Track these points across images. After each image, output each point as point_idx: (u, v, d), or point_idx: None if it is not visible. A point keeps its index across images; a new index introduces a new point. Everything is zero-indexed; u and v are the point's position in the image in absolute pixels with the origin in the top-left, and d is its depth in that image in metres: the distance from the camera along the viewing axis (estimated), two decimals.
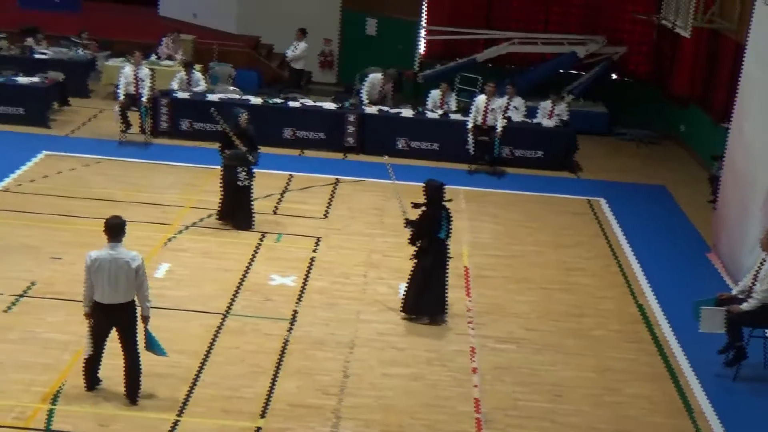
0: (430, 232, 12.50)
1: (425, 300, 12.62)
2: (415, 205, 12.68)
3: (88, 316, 10.07)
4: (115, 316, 10.02)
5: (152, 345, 10.34)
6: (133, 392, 10.21)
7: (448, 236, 12.64)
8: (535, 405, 10.89)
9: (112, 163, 18.13)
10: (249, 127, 15.19)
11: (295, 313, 12.65)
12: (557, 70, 23.93)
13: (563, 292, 14.03)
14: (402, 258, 14.65)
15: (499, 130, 18.88)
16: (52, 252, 13.85)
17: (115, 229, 10.01)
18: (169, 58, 22.72)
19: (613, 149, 22.08)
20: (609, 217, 17.34)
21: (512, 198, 17.96)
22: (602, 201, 18.13)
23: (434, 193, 12.58)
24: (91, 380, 10.35)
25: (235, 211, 15.28)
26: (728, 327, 11.72)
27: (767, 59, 14.49)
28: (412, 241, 12.60)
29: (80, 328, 11.57)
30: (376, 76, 21.01)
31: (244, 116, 15.18)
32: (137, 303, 10.07)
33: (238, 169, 15.01)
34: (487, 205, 17.39)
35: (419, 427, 10.25)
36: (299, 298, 13.10)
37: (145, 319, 10.17)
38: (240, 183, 15.06)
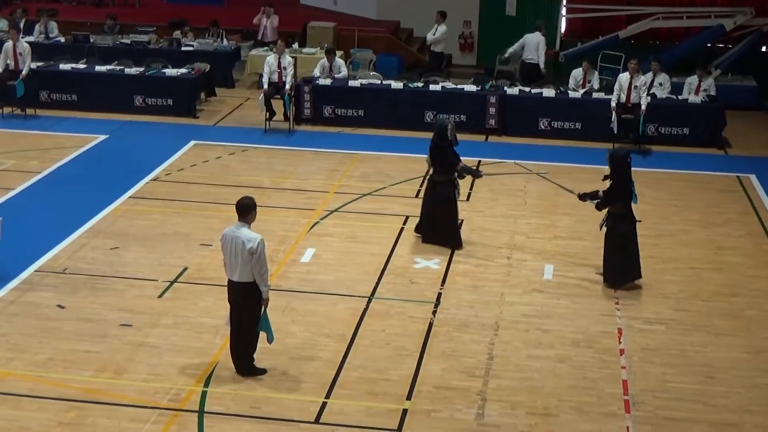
0: (624, 199, 12.90)
1: (632, 265, 12.98)
2: (605, 178, 13.00)
3: None
4: (232, 293, 10.40)
5: (264, 326, 10.52)
6: (237, 365, 10.60)
7: (636, 201, 13.12)
8: (685, 387, 10.68)
9: (257, 150, 18.52)
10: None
11: (439, 295, 12.71)
12: (704, 45, 23.30)
13: (713, 272, 13.69)
14: (545, 239, 14.61)
15: (643, 107, 18.51)
16: (202, 239, 14.25)
17: (241, 209, 10.34)
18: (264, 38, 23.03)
19: (763, 124, 21.36)
20: (760, 193, 16.81)
21: (658, 176, 17.58)
22: (752, 177, 17.58)
23: (621, 162, 12.93)
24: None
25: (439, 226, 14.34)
26: None
27: None
28: (600, 208, 13.04)
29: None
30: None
31: (450, 126, 14.37)
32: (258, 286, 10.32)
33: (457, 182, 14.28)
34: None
35: (566, 409, 10.18)
36: (443, 281, 13.15)
37: (265, 302, 10.40)
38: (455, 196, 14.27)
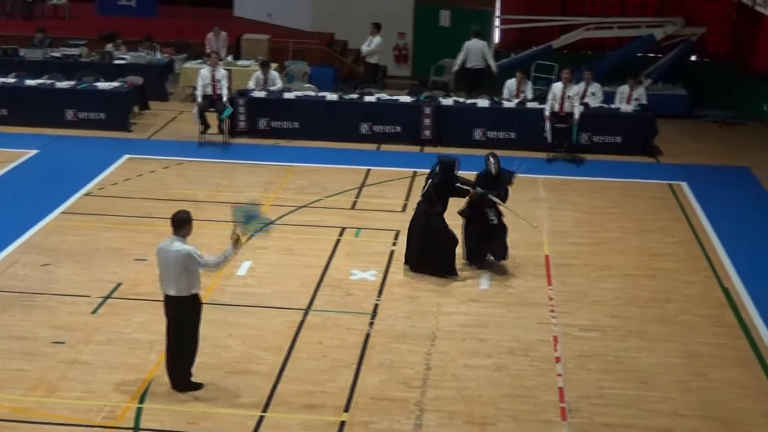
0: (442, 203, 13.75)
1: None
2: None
3: None
4: (168, 307, 10.31)
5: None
6: (173, 381, 10.50)
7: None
8: (620, 393, 10.76)
9: (192, 164, 18.38)
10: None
11: (376, 306, 12.69)
12: (635, 54, 23.62)
13: (647, 278, 13.84)
14: None
15: (576, 116, 18.71)
16: (136, 254, 14.08)
17: (176, 223, 10.28)
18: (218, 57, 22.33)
19: (694, 132, 21.70)
20: (692, 201, 17.06)
21: (592, 185, 17.77)
22: (684, 185, 17.83)
23: (447, 167, 13.67)
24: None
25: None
26: None
27: None
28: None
29: (164, 328, 11.79)
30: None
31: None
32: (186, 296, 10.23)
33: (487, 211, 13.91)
34: (567, 193, 17.23)
35: (503, 418, 10.21)
36: (380, 292, 13.13)
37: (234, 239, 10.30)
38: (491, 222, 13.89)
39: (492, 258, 14.00)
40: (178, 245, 10.14)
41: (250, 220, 10.53)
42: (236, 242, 10.29)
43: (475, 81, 22.43)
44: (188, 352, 10.44)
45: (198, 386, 10.50)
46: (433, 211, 13.69)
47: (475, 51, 22.28)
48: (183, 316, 10.27)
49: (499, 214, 13.96)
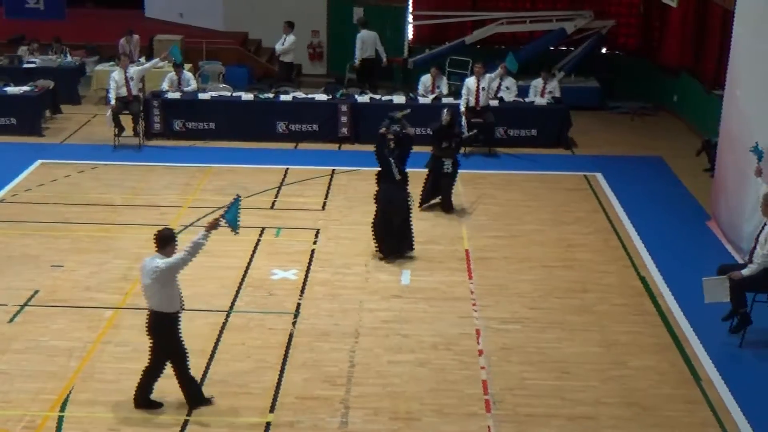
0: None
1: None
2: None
3: None
4: (148, 323, 10.01)
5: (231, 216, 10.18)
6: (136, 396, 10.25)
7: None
8: (543, 383, 10.89)
9: (107, 167, 18.11)
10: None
11: (298, 306, 12.65)
12: (546, 48, 23.90)
13: (565, 269, 14.03)
14: None
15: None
16: (53, 260, 13.84)
17: (159, 240, 9.94)
18: (131, 59, 22.06)
19: (607, 123, 22.05)
20: (607, 191, 17.33)
21: (509, 178, 17.95)
22: (599, 176, 18.11)
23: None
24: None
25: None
26: (731, 293, 11.73)
27: (756, 24, 14.45)
28: None
29: (84, 334, 11.66)
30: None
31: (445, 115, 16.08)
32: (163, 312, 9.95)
33: (444, 160, 15.94)
34: (485, 187, 17.37)
35: (428, 413, 10.26)
36: (302, 291, 13.10)
37: (209, 227, 9.99)
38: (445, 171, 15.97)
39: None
40: (156, 261, 9.80)
41: (233, 215, 10.24)
42: (211, 228, 9.96)
43: (370, 71, 22.91)
44: (157, 368, 10.14)
45: (158, 405, 10.25)
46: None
47: (368, 41, 22.75)
48: (155, 334, 9.99)
49: (453, 164, 15.84)
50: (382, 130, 14.37)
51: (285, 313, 12.43)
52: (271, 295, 12.97)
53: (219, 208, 15.88)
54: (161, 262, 9.76)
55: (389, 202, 14.16)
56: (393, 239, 14.23)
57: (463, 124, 19.00)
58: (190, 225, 15.28)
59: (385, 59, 22.76)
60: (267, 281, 13.37)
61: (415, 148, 14.67)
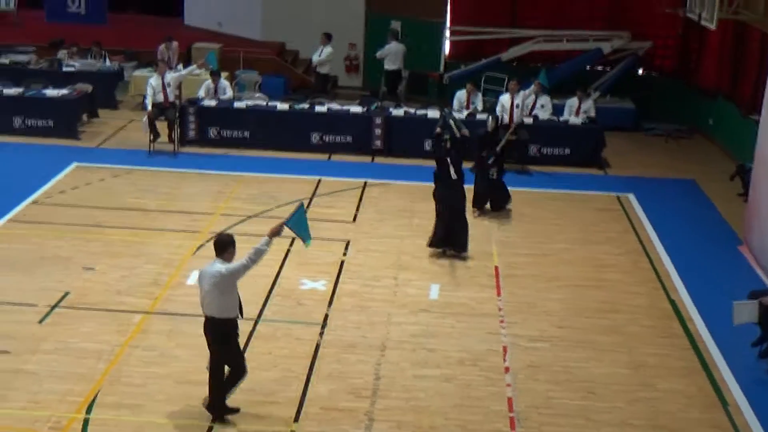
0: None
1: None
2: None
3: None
4: (206, 329, 10.05)
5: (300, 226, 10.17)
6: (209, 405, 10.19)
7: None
8: (569, 402, 10.86)
9: (141, 172, 18.26)
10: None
11: (326, 317, 12.69)
12: (583, 67, 23.87)
13: (594, 289, 13.98)
14: (431, 259, 14.72)
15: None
16: (84, 262, 13.96)
17: (218, 245, 10.00)
18: (169, 66, 22.22)
19: (641, 145, 21.97)
20: (639, 212, 17.26)
21: (541, 196, 17.92)
22: (631, 197, 18.04)
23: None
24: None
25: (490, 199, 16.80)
26: (761, 319, 11.65)
27: None
28: None
29: (113, 338, 11.74)
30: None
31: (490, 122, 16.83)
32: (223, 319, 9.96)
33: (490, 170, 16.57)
34: (516, 204, 17.32)
35: (452, 428, 10.25)
36: (330, 302, 13.14)
37: (273, 233, 9.96)
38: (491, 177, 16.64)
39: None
40: (217, 266, 9.85)
41: (299, 225, 10.26)
42: (274, 234, 9.95)
43: (394, 83, 23.33)
44: (222, 375, 10.13)
45: (234, 410, 10.24)
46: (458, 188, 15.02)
47: (396, 53, 23.15)
48: (216, 341, 10.03)
49: (499, 171, 16.50)
50: (438, 129, 15.21)
51: (313, 323, 12.47)
52: (300, 305, 13.01)
53: (250, 216, 16.03)
54: (222, 267, 9.79)
55: (445, 200, 14.77)
56: (444, 233, 14.79)
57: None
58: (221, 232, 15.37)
59: (405, 74, 23.66)
60: (296, 291, 13.42)
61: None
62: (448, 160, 14.76)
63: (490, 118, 17.02)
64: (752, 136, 16.43)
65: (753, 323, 11.77)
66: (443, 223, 14.81)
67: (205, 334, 10.07)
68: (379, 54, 23.49)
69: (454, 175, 14.74)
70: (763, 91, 15.91)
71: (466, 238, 14.86)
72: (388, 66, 23.28)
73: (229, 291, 9.88)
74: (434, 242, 14.85)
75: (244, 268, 9.83)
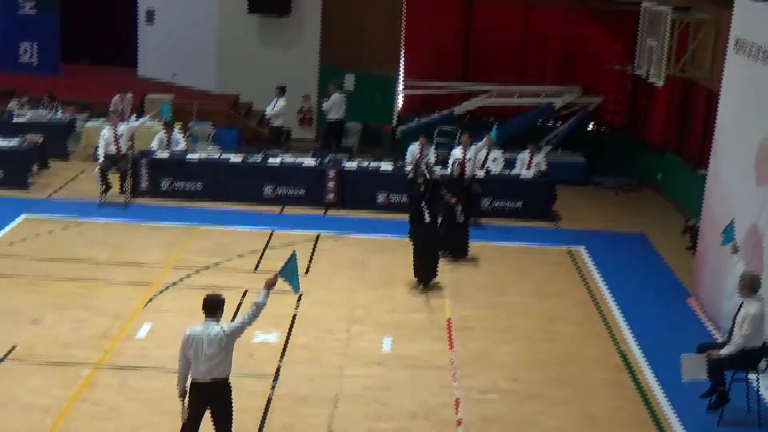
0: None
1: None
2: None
3: (182, 395, 9.82)
4: (210, 395, 9.77)
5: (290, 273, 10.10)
6: None
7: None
8: None
9: (92, 224, 18.11)
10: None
11: (278, 370, 12.62)
12: (535, 121, 24.14)
13: (547, 342, 14.04)
14: (384, 311, 14.72)
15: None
16: (32, 315, 13.78)
17: (209, 306, 9.78)
18: (122, 117, 22.15)
19: (591, 198, 22.21)
20: (589, 265, 17.40)
21: (493, 249, 18.00)
22: (582, 249, 18.20)
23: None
24: None
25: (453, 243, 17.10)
26: (710, 371, 11.76)
27: (740, 106, 14.69)
28: None
29: (61, 392, 11.57)
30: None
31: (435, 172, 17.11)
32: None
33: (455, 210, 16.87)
34: (469, 257, 17.41)
35: None
36: (282, 355, 13.07)
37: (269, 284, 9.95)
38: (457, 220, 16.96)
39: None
40: (217, 328, 9.67)
41: (290, 273, 10.19)
42: (270, 285, 9.92)
43: (338, 133, 23.69)
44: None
45: None
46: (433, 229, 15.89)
47: (339, 103, 23.47)
48: (227, 402, 9.87)
49: (464, 213, 16.88)
50: (411, 174, 16.02)
51: (264, 376, 12.39)
52: (252, 358, 12.92)
53: (202, 269, 15.95)
54: (225, 327, 9.66)
55: (421, 241, 15.71)
56: (423, 272, 15.74)
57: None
58: (174, 284, 15.28)
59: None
60: (248, 344, 13.32)
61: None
62: (423, 203, 15.53)
63: (456, 163, 17.60)
64: (700, 191, 16.68)
65: (701, 377, 11.87)
66: (420, 262, 15.72)
67: (204, 401, 9.75)
68: (324, 106, 23.65)
69: (428, 218, 15.54)
70: (709, 146, 16.20)
71: (430, 276, 15.73)
72: (331, 116, 23.54)
73: (231, 349, 9.77)
74: (420, 282, 15.74)
75: (247, 324, 9.76)
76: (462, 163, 18.91)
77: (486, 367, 13.05)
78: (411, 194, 16.13)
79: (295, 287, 10.29)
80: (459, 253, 17.20)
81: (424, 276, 15.75)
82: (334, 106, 23.45)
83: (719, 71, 16.08)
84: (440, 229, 16.45)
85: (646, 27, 20.12)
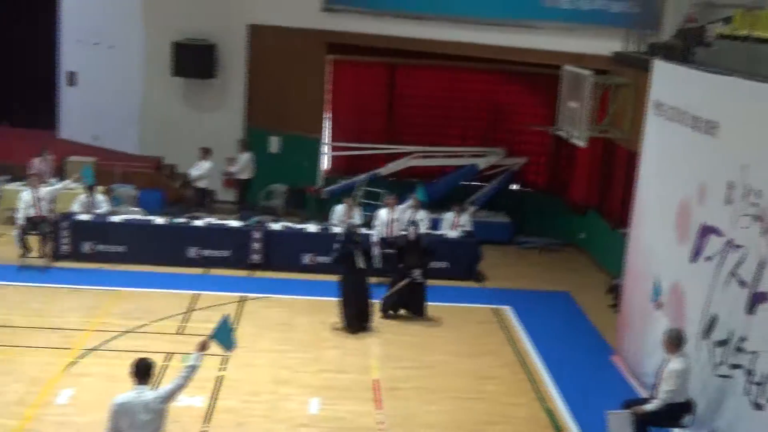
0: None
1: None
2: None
3: None
4: None
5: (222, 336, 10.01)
6: None
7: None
8: None
9: (11, 288, 17.71)
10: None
11: None
12: (459, 182, 24.34)
13: (475, 401, 14.03)
14: (311, 373, 14.59)
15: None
16: None
17: (140, 371, 9.56)
18: (42, 179, 21.72)
19: (516, 258, 22.39)
20: (516, 324, 17.49)
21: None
22: (508, 309, 18.29)
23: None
24: None
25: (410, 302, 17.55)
26: (635, 427, 11.82)
27: (660, 167, 14.98)
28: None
29: None
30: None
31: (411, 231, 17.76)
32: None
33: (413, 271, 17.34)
34: (396, 317, 17.39)
35: None
36: (207, 419, 12.85)
37: (200, 348, 9.84)
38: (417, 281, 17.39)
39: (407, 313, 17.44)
40: (151, 393, 9.48)
41: (223, 335, 10.09)
42: (202, 348, 9.80)
43: (245, 191, 24.01)
44: None
45: None
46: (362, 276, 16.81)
47: (248, 162, 23.74)
48: None
49: (423, 273, 17.30)
50: (348, 228, 17.29)
51: None
52: (176, 422, 12.63)
53: (125, 332, 15.68)
54: (161, 391, 9.49)
55: (351, 287, 16.54)
56: (354, 318, 16.53)
57: (375, 254, 19.13)
58: (95, 349, 14.98)
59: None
60: (172, 408, 12.99)
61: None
62: (354, 252, 16.56)
63: (412, 228, 17.84)
64: (621, 249, 16.91)
65: None
66: (347, 308, 16.54)
67: None
68: (235, 168, 23.61)
69: (362, 264, 16.57)
70: (630, 205, 16.46)
71: (363, 320, 16.62)
72: (241, 176, 23.65)
73: (167, 415, 9.58)
74: (349, 321, 16.54)
75: (181, 387, 9.61)
76: (389, 225, 19.04)
77: (414, 428, 12.97)
78: (344, 244, 16.80)
79: (229, 347, 10.26)
80: (416, 311, 17.54)
81: (357, 320, 16.46)
82: (246, 166, 23.63)
83: (639, 132, 16.40)
84: (394, 292, 17.27)
85: (568, 90, 20.48)
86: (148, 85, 25.94)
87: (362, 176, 24.37)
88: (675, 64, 14.96)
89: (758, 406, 10.98)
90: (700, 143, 13.29)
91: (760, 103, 11.61)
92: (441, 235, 20.49)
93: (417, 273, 17.32)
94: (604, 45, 19.26)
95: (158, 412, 9.46)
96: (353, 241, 16.91)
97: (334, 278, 18.74)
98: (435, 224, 20.90)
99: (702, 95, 13.47)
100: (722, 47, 14.00)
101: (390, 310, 17.45)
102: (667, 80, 15.04)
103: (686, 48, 15.08)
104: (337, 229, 19.86)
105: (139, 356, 9.76)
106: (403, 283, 17.27)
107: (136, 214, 20.88)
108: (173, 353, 14.90)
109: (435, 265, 19.76)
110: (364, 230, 18.02)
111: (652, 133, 15.50)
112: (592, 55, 20.23)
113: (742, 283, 11.70)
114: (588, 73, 19.40)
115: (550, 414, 13.68)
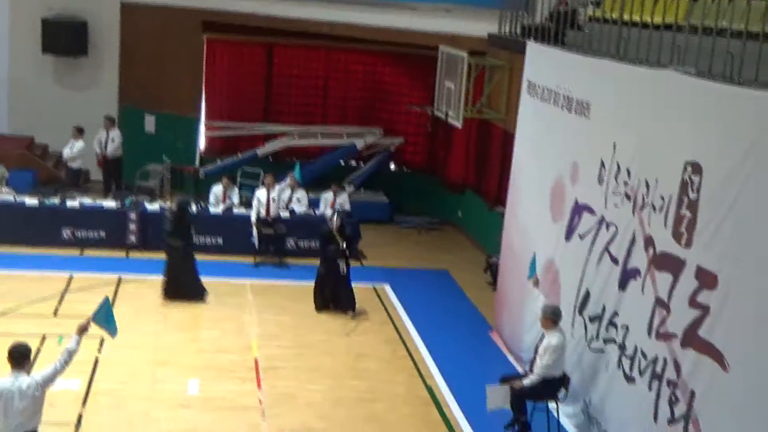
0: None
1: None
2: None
3: None
4: None
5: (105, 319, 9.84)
6: None
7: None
8: None
9: None
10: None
11: (80, 417, 12.21)
12: (337, 162, 24.40)
13: (354, 379, 14.13)
14: (190, 353, 14.49)
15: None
16: None
17: (15, 357, 9.30)
18: None
19: (395, 237, 22.56)
20: (395, 302, 17.66)
21: (299, 289, 17.97)
22: (387, 287, 18.45)
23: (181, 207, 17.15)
24: None
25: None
26: (512, 402, 12.10)
27: (535, 146, 15.29)
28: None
29: None
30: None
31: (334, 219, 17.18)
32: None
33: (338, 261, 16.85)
34: (275, 297, 17.39)
35: None
36: (84, 401, 12.65)
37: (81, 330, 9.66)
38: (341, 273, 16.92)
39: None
40: (28, 379, 9.22)
41: (104, 317, 9.93)
42: (82, 331, 9.60)
43: (117, 168, 23.42)
44: None
45: None
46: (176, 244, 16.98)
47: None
48: None
49: (347, 266, 16.87)
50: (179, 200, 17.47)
51: (65, 424, 11.96)
52: (51, 406, 12.38)
53: None
54: (38, 377, 9.25)
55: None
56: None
57: (253, 234, 19.08)
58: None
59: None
60: (48, 392, 12.80)
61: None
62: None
63: (335, 216, 17.22)
64: (498, 228, 17.22)
65: (505, 407, 12.20)
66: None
67: None
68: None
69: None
70: (506, 184, 16.77)
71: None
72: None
73: (43, 401, 9.38)
74: (318, 306, 16.88)
75: (60, 372, 9.39)
76: (267, 206, 18.98)
77: (295, 407, 13.01)
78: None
79: (113, 332, 10.05)
80: (347, 305, 16.92)
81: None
82: (116, 144, 23.06)
83: (514, 113, 16.71)
84: (327, 287, 17.04)
85: (444, 70, 20.70)
86: (16, 62, 25.20)
87: (240, 156, 24.23)
88: (547, 46, 15.27)
89: (630, 379, 11.35)
90: (572, 123, 13.62)
91: (630, 84, 11.96)
92: (320, 214, 20.43)
93: (341, 264, 16.78)
94: (480, 26, 19.50)
95: (35, 398, 9.28)
96: (187, 212, 17.20)
97: (213, 258, 18.69)
98: (314, 204, 20.91)
99: (574, 77, 13.79)
100: (593, 30, 14.35)
101: (322, 309, 16.91)
102: (540, 62, 15.34)
103: (558, 30, 15.41)
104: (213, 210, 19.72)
105: (15, 341, 9.54)
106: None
107: (6, 195, 20.31)
108: (48, 335, 14.60)
109: (314, 244, 19.79)
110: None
111: (526, 114, 15.80)
112: (468, 37, 20.46)
113: (614, 260, 12.06)
114: (463, 54, 19.64)
115: (430, 390, 13.88)
